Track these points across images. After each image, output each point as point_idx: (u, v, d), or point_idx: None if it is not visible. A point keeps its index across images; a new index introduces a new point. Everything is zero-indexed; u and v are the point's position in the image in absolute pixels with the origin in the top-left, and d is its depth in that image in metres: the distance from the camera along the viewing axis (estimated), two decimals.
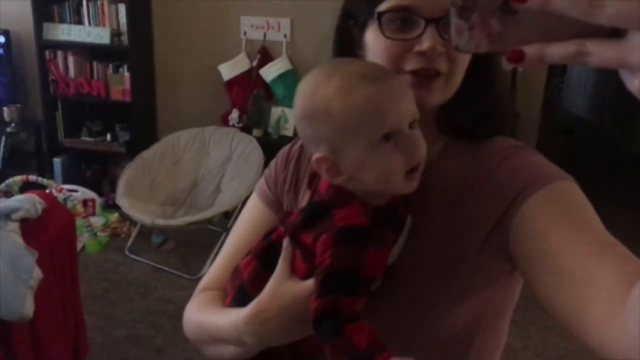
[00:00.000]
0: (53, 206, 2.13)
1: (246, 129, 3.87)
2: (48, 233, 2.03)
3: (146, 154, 3.65)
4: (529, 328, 2.92)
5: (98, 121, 4.17)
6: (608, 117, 6.56)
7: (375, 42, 0.78)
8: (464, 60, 0.77)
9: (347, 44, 0.84)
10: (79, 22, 3.94)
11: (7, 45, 4.08)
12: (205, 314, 0.88)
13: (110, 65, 3.99)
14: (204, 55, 4.03)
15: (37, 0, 3.85)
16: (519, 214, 0.73)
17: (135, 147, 3.85)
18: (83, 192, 3.93)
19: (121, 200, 3.35)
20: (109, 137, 4.11)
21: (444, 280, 0.79)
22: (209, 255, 3.43)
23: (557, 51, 0.42)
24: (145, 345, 2.74)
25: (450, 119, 0.83)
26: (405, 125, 0.71)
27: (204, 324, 0.87)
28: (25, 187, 3.16)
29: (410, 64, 0.75)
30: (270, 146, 3.47)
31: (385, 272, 0.75)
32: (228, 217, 3.56)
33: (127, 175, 3.51)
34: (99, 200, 4.01)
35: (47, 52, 3.98)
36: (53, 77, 3.99)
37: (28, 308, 1.81)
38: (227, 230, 3.34)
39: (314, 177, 0.81)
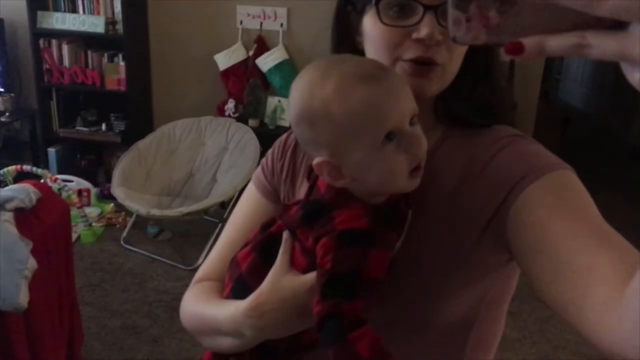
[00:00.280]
0: (48, 196, 2.11)
1: (242, 119, 3.85)
2: (43, 223, 2.02)
3: (142, 144, 3.64)
4: (525, 319, 2.92)
5: (93, 111, 4.14)
6: (605, 108, 6.57)
7: (372, 29, 0.77)
8: (462, 49, 0.76)
9: (345, 30, 0.83)
10: (74, 10, 3.91)
11: (1, 34, 4.05)
12: (203, 305, 0.87)
13: (105, 55, 3.97)
14: (199, 44, 4.00)
15: None
16: (517, 203, 0.72)
17: (131, 137, 3.83)
18: (78, 182, 3.92)
19: (116, 190, 3.33)
20: (104, 126, 4.08)
21: (442, 271, 0.78)
22: (205, 245, 3.42)
23: (557, 43, 0.41)
24: (141, 336, 2.73)
25: (448, 107, 0.82)
26: (407, 122, 0.70)
27: (202, 315, 0.86)
28: (20, 177, 3.15)
29: (408, 53, 0.74)
30: (266, 136, 3.46)
31: None
32: (224, 207, 3.55)
33: (122, 165, 3.50)
34: (94, 191, 3.99)
35: (41, 41, 3.95)
36: (47, 66, 3.97)
37: (23, 298, 1.80)
38: (223, 221, 3.33)
39: (312, 169, 0.80)
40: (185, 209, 3.25)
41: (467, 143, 0.81)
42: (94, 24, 3.83)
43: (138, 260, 3.40)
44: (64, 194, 3.42)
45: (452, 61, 0.75)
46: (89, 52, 3.99)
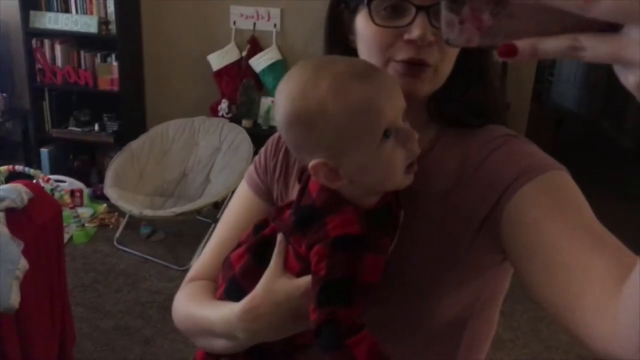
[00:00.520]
0: (40, 196, 2.10)
1: (235, 120, 3.85)
2: (34, 223, 2.01)
3: (135, 144, 3.62)
4: (517, 319, 2.93)
5: (86, 111, 4.13)
6: (598, 110, 6.60)
7: (364, 29, 0.76)
8: (455, 50, 0.76)
9: (338, 29, 0.82)
10: (67, 10, 3.90)
11: None
12: (196, 305, 0.86)
13: (98, 55, 3.95)
14: (193, 45, 3.99)
15: None
16: (511, 203, 0.72)
17: (124, 137, 3.82)
18: (70, 183, 3.90)
19: (109, 190, 3.32)
20: (97, 127, 4.07)
21: (436, 271, 0.78)
22: (198, 246, 3.42)
23: (551, 45, 0.41)
24: (134, 337, 2.72)
25: (440, 108, 0.82)
26: (400, 119, 0.70)
27: (195, 316, 0.86)
28: (12, 178, 3.13)
29: (400, 54, 0.74)
30: (259, 136, 3.45)
31: None
32: (217, 207, 3.54)
33: (115, 166, 3.49)
34: (86, 191, 3.98)
35: (34, 41, 3.93)
36: (40, 66, 3.95)
37: (14, 299, 1.79)
38: (217, 221, 3.30)
39: (304, 171, 0.79)
40: (178, 210, 3.24)
41: (460, 143, 0.81)
42: (86, 23, 3.82)
43: (131, 260, 3.39)
44: (57, 195, 3.41)
45: (444, 62, 0.75)
46: (82, 52, 3.97)
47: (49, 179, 3.48)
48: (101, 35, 3.84)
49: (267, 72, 3.81)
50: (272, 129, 3.85)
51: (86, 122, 4.11)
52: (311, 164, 0.70)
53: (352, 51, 0.80)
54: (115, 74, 3.90)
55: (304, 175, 0.78)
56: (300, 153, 0.74)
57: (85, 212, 3.80)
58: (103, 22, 3.84)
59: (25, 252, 1.87)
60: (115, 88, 3.92)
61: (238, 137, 3.58)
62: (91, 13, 3.86)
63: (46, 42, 3.94)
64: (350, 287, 0.69)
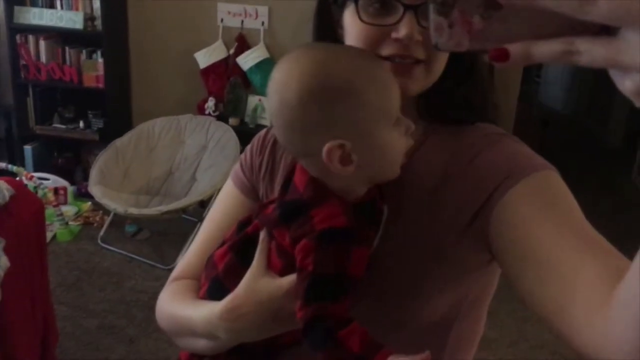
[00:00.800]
0: (22, 193, 2.07)
1: (222, 118, 3.82)
2: (16, 220, 1.98)
3: (120, 142, 3.59)
4: (503, 318, 2.94)
5: (70, 108, 4.08)
6: (584, 110, 6.65)
7: (352, 25, 0.75)
8: None
9: (327, 22, 0.81)
10: (52, 6, 3.85)
11: None
12: (178, 305, 0.85)
13: (84, 51, 3.91)
14: (180, 42, 3.96)
15: None
16: (501, 203, 0.71)
17: (109, 135, 3.78)
18: (54, 180, 3.86)
19: (94, 188, 3.29)
20: (81, 124, 4.02)
21: (423, 270, 0.77)
22: (183, 245, 3.39)
23: (544, 50, 0.39)
24: (117, 336, 2.70)
25: (430, 104, 0.81)
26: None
27: (177, 316, 0.84)
28: None
29: (387, 50, 0.73)
30: (246, 135, 3.42)
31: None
32: (203, 206, 3.52)
33: (100, 163, 3.45)
34: (71, 189, 3.93)
35: (18, 36, 3.88)
36: (24, 62, 3.90)
37: None
38: (202, 220, 3.29)
39: (294, 168, 0.77)
40: (163, 208, 3.21)
41: (449, 140, 0.80)
42: (72, 19, 3.77)
43: (115, 259, 3.36)
44: (40, 192, 3.37)
45: (435, 60, 0.74)
46: (67, 49, 3.92)
47: (32, 177, 3.44)
48: (87, 31, 3.80)
49: (255, 70, 3.79)
50: (259, 128, 3.83)
51: (71, 119, 4.06)
52: (330, 144, 0.68)
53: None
54: (101, 71, 3.86)
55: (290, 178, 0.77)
56: (312, 134, 0.70)
57: (69, 210, 3.76)
58: (89, 18, 3.80)
59: (7, 250, 1.84)
60: (101, 85, 3.88)
61: (225, 135, 3.56)
62: (77, 9, 3.81)
63: (30, 37, 3.89)
64: (339, 281, 0.68)
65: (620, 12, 0.36)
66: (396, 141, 0.71)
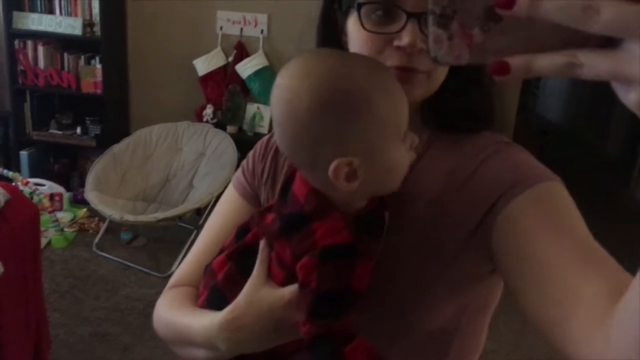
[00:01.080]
0: (16, 198, 2.06)
1: (220, 125, 3.81)
2: (10, 226, 1.96)
3: (117, 148, 3.58)
4: (500, 329, 2.92)
5: (68, 114, 4.07)
6: (583, 120, 6.66)
7: (355, 33, 0.74)
8: None
9: (331, 28, 0.80)
10: (50, 11, 3.85)
11: None
12: (177, 313, 0.83)
13: (82, 57, 3.90)
14: (178, 49, 3.96)
15: None
16: (504, 213, 0.70)
17: (106, 141, 3.77)
18: (50, 186, 3.84)
19: (89, 194, 3.27)
20: (79, 130, 4.01)
21: (425, 279, 0.76)
22: (179, 252, 3.37)
23: (546, 63, 0.38)
24: (112, 344, 2.67)
25: (435, 111, 0.80)
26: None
27: (175, 325, 0.83)
28: None
29: (390, 60, 0.72)
30: (244, 143, 3.43)
31: None
32: (200, 214, 3.50)
33: (96, 169, 3.44)
34: (66, 195, 3.91)
35: (16, 42, 3.87)
36: (22, 68, 3.89)
37: None
38: (199, 228, 3.28)
39: (292, 173, 0.76)
40: (159, 215, 3.19)
41: (453, 149, 0.79)
42: (70, 25, 3.77)
43: (110, 266, 3.33)
44: (36, 198, 3.35)
45: (438, 68, 0.73)
46: (65, 54, 3.92)
47: (27, 182, 3.42)
48: (85, 37, 3.79)
49: (254, 78, 3.79)
50: (257, 136, 3.83)
51: (68, 125, 4.05)
52: (338, 162, 0.65)
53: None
54: (99, 77, 3.85)
55: (287, 186, 0.75)
56: (320, 148, 0.67)
57: (64, 216, 3.74)
58: (87, 24, 3.80)
59: (0, 255, 1.83)
60: (99, 91, 3.87)
61: (222, 143, 3.55)
62: (76, 15, 3.81)
63: (29, 43, 3.89)
64: (343, 298, 0.66)
65: (624, 24, 0.35)
66: (403, 157, 0.69)
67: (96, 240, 3.52)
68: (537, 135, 5.22)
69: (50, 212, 3.42)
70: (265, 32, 3.83)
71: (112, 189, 3.43)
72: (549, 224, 0.67)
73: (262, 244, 0.75)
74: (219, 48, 3.86)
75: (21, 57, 3.88)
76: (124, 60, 4.07)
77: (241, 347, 0.74)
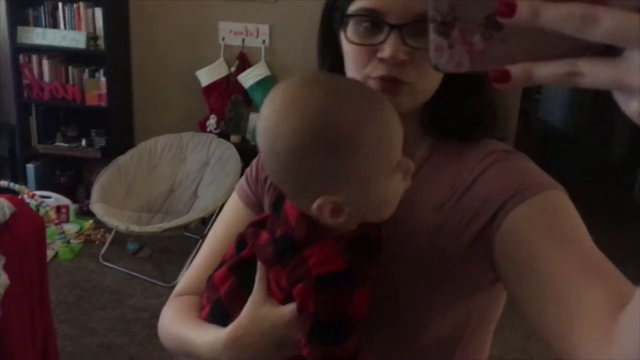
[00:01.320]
0: (22, 211, 2.07)
1: (224, 135, 3.83)
2: (16, 238, 1.98)
3: (122, 160, 3.60)
4: (507, 335, 2.91)
5: (73, 126, 4.10)
6: (585, 126, 6.65)
7: (345, 45, 0.76)
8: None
9: (330, 40, 0.81)
10: (55, 25, 3.88)
11: None
12: (182, 326, 0.84)
13: (86, 70, 3.94)
14: (181, 60, 3.99)
15: (12, 3, 3.79)
16: (506, 223, 0.69)
17: (111, 153, 3.79)
18: (57, 199, 3.86)
19: (95, 206, 3.29)
20: (84, 142, 4.04)
21: (427, 288, 0.76)
22: (185, 262, 3.38)
23: (547, 71, 0.38)
24: (118, 355, 2.68)
25: (436, 119, 0.80)
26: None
27: (180, 338, 0.83)
28: None
29: (375, 72, 0.72)
30: (247, 152, 3.45)
31: None
32: (205, 223, 3.52)
33: (102, 181, 3.46)
34: (73, 207, 3.93)
35: (21, 56, 3.91)
36: (27, 82, 3.92)
37: None
38: (204, 237, 3.28)
39: (278, 199, 0.76)
40: (165, 225, 3.21)
41: (455, 157, 0.79)
42: (75, 39, 3.81)
43: (117, 277, 3.35)
44: (42, 210, 3.37)
45: (424, 79, 0.73)
46: (70, 68, 3.95)
47: (33, 195, 3.44)
48: (89, 50, 3.83)
49: (256, 88, 3.81)
50: None
51: (73, 138, 4.08)
52: (317, 202, 0.65)
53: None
54: (103, 90, 3.88)
55: (278, 205, 0.74)
56: (304, 186, 0.66)
57: (71, 228, 3.76)
58: (91, 38, 3.83)
59: (7, 268, 1.84)
60: (103, 103, 3.90)
61: (226, 152, 3.57)
62: (79, 29, 3.84)
63: (34, 57, 3.93)
64: (342, 324, 0.66)
65: (625, 32, 0.34)
66: (394, 189, 0.68)
67: (102, 251, 3.53)
68: (539, 142, 5.21)
69: (56, 224, 3.44)
70: (267, 42, 3.86)
71: (117, 200, 3.45)
72: (551, 234, 0.66)
73: (259, 262, 0.75)
74: (221, 59, 3.89)
75: (26, 71, 3.91)
76: (128, 73, 4.10)
77: None
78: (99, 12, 3.79)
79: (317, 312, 0.66)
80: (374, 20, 0.71)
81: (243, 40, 3.87)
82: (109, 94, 3.88)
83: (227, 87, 3.90)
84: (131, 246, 3.62)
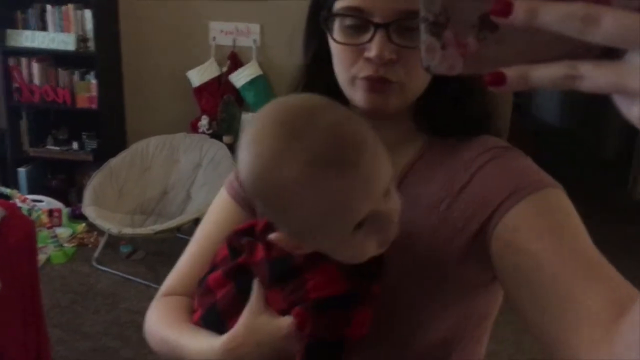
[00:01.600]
0: (13, 215, 2.06)
1: (216, 136, 3.82)
2: (7, 242, 1.96)
3: (114, 162, 3.58)
4: (502, 330, 2.91)
5: (64, 129, 4.08)
6: (578, 122, 6.67)
7: (332, 45, 0.75)
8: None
9: (317, 32, 0.79)
10: (44, 28, 3.86)
11: None
12: (172, 330, 0.80)
13: (77, 72, 3.91)
14: (172, 61, 3.97)
15: None
16: (503, 222, 0.68)
17: (103, 155, 3.77)
18: (48, 202, 3.83)
19: (87, 209, 3.27)
20: (75, 145, 4.01)
21: (425, 289, 0.74)
22: None
23: (544, 74, 0.36)
24: (112, 358, 2.66)
25: (431, 116, 0.78)
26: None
27: (170, 343, 0.79)
28: None
29: (362, 72, 0.71)
30: None
31: None
32: (198, 224, 3.50)
33: (94, 184, 3.44)
34: (65, 210, 3.91)
35: (10, 59, 3.88)
36: (17, 85, 3.90)
37: None
38: None
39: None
40: (157, 227, 3.19)
41: (449, 154, 0.77)
42: (64, 41, 3.78)
43: (110, 280, 3.33)
44: (34, 215, 3.35)
45: (412, 78, 0.72)
46: (60, 70, 3.93)
47: (25, 199, 3.42)
48: (79, 52, 3.80)
49: (248, 87, 3.80)
50: None
51: (65, 141, 4.05)
52: (273, 236, 0.65)
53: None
54: (94, 92, 3.86)
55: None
56: (266, 216, 0.69)
57: (64, 232, 3.73)
58: (81, 39, 3.81)
59: None
60: (94, 106, 3.88)
61: (219, 153, 3.55)
62: (69, 31, 3.82)
63: (23, 60, 3.90)
64: (339, 345, 0.66)
65: (626, 34, 0.33)
66: (358, 244, 0.63)
67: (95, 254, 3.51)
68: (532, 137, 5.22)
69: (49, 228, 3.42)
70: (258, 41, 3.84)
71: (110, 203, 3.43)
72: (549, 234, 0.65)
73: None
74: (212, 59, 3.87)
75: (16, 74, 3.88)
76: (119, 74, 4.08)
77: None
78: (88, 14, 3.76)
79: (314, 334, 0.65)
80: (359, 19, 0.70)
81: (234, 40, 3.86)
82: (100, 96, 3.85)
83: (218, 87, 3.89)
84: (124, 249, 3.60)
